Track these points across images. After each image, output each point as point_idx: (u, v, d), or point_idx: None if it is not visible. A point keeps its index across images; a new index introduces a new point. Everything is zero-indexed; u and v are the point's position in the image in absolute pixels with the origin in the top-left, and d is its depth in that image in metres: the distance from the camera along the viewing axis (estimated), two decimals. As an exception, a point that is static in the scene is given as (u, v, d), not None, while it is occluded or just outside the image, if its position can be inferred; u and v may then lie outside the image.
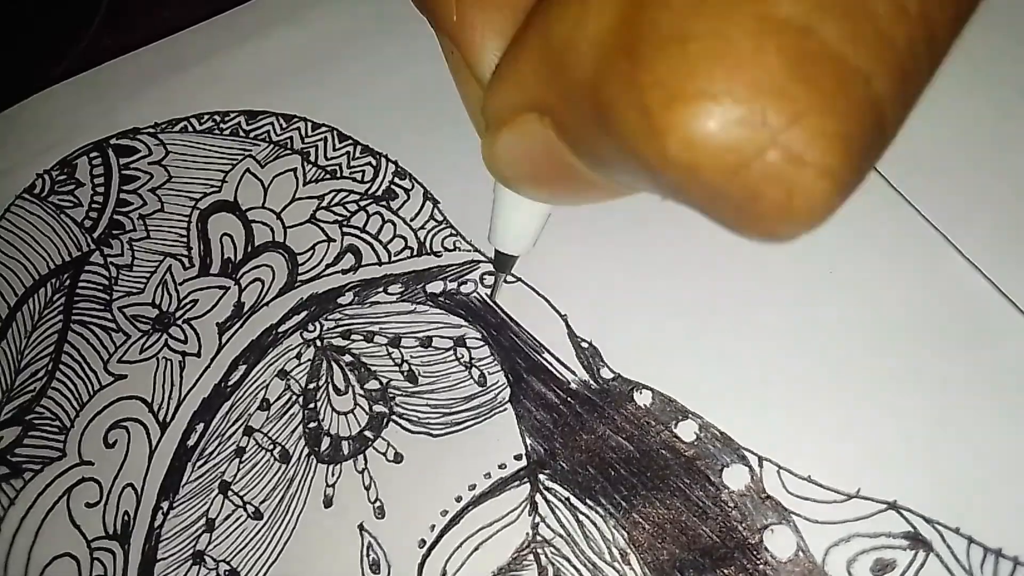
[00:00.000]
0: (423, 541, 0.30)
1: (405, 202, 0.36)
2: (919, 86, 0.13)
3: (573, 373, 0.32)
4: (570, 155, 0.16)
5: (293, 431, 0.32)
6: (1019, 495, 0.27)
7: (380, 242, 0.36)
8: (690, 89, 0.12)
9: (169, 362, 0.34)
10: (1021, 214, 0.32)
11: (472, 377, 0.33)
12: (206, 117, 0.40)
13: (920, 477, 0.28)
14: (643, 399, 0.31)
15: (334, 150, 0.38)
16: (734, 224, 0.14)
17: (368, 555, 0.30)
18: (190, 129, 0.39)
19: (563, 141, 0.16)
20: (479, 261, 0.35)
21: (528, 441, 0.31)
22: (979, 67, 0.35)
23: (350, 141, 0.38)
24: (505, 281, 0.34)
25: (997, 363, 0.30)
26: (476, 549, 0.29)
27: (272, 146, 0.38)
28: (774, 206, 0.13)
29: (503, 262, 0.29)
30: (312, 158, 0.38)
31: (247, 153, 0.38)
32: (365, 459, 0.32)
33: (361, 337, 0.34)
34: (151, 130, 0.40)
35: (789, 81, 0.12)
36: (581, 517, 0.30)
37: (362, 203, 0.37)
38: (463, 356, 0.33)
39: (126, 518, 0.32)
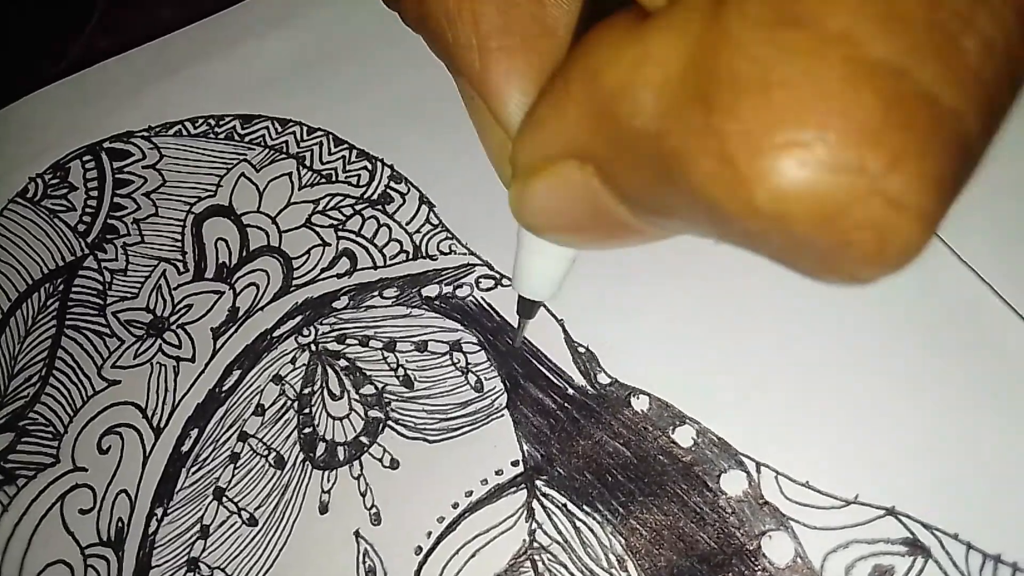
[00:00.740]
0: (420, 548, 0.30)
1: (401, 206, 0.36)
2: (1002, 120, 0.13)
3: (570, 378, 0.32)
4: (614, 203, 0.15)
5: (288, 437, 0.32)
6: (1017, 501, 0.27)
7: (375, 246, 0.36)
8: (780, 137, 0.11)
9: (163, 367, 0.34)
10: (1019, 218, 0.32)
11: (469, 382, 0.32)
12: (200, 120, 0.39)
13: (918, 483, 0.28)
14: (640, 404, 0.31)
15: (329, 154, 0.38)
16: (812, 270, 0.13)
17: (364, 562, 0.30)
18: (184, 133, 0.39)
19: (608, 189, 0.15)
20: (475, 264, 0.35)
21: (525, 447, 0.31)
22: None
23: (345, 145, 0.38)
24: (501, 285, 0.34)
25: (995, 368, 0.29)
26: (473, 556, 0.29)
27: (267, 150, 0.38)
28: (866, 252, 0.12)
29: (528, 308, 0.28)
30: (307, 162, 0.38)
31: (242, 157, 0.38)
32: (361, 465, 0.31)
33: (356, 341, 0.34)
34: (145, 133, 0.39)
35: (886, 125, 0.11)
36: (578, 523, 0.29)
37: (357, 207, 0.36)
38: (459, 361, 0.33)
39: (120, 525, 0.32)
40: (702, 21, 0.12)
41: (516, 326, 0.33)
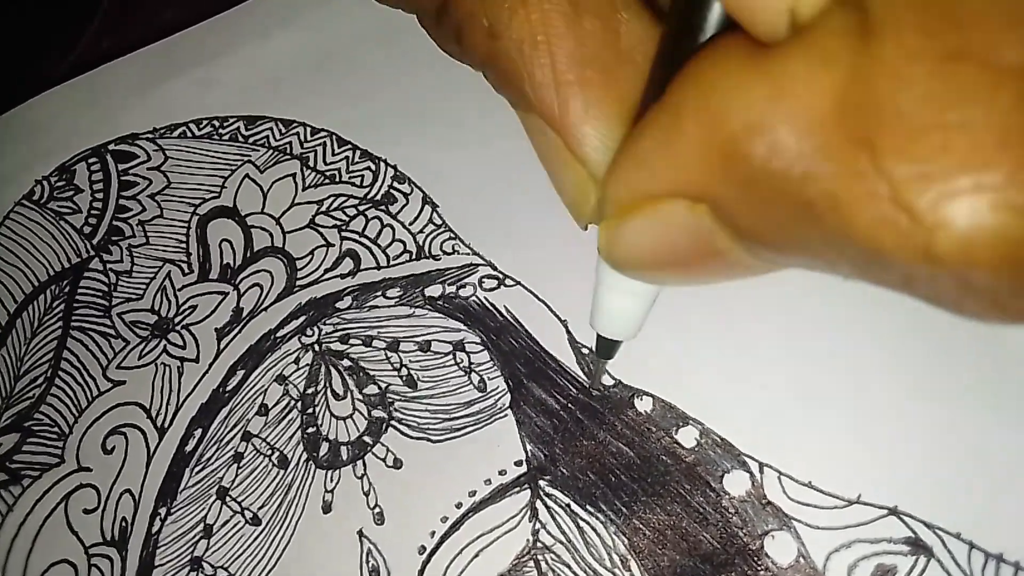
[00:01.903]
0: (423, 547, 0.30)
1: (404, 206, 0.36)
2: None
3: (574, 379, 0.32)
4: (729, 242, 0.14)
5: (291, 436, 0.32)
6: (1021, 500, 0.27)
7: (379, 246, 0.36)
8: (965, 182, 0.11)
9: (168, 368, 0.34)
10: None
11: (472, 382, 0.32)
12: (205, 122, 0.40)
13: (921, 482, 0.28)
14: (643, 405, 0.31)
15: (333, 155, 0.38)
16: (979, 311, 0.12)
17: (368, 561, 0.30)
18: (189, 134, 0.39)
19: (725, 229, 0.14)
20: (478, 265, 0.35)
21: (528, 447, 0.31)
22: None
23: (349, 146, 0.38)
24: (504, 285, 0.34)
25: (1001, 367, 0.29)
26: (477, 556, 0.29)
27: (271, 151, 0.38)
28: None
29: (606, 348, 0.25)
30: (311, 163, 0.38)
31: (246, 158, 0.38)
32: (364, 465, 0.31)
33: (360, 341, 0.34)
34: (150, 135, 0.40)
35: None
36: (582, 523, 0.29)
37: (361, 207, 0.37)
38: (462, 361, 0.33)
39: (124, 524, 0.32)
40: (852, 52, 0.12)
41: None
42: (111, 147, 0.40)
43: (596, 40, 0.17)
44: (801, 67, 0.12)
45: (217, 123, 0.40)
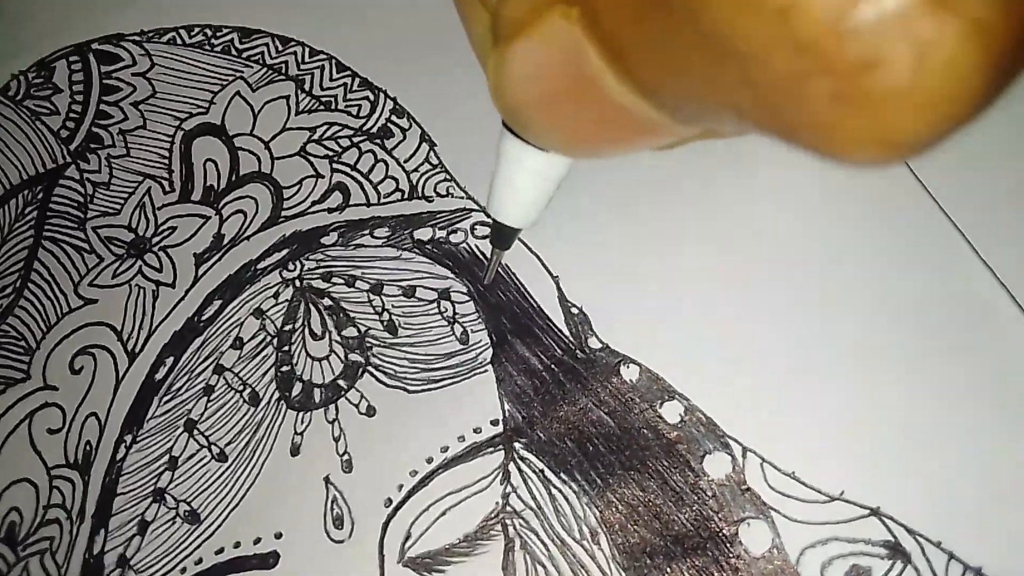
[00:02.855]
0: (389, 500, 0.29)
1: (400, 142, 0.34)
2: None
3: (560, 339, 0.31)
4: (599, 60, 0.14)
5: (265, 373, 0.31)
6: (1007, 515, 0.26)
7: (370, 182, 0.34)
8: None
9: (142, 290, 0.33)
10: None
11: (454, 333, 0.31)
12: (197, 29, 0.37)
13: (907, 485, 0.27)
14: (630, 374, 0.30)
15: (331, 80, 0.36)
16: (824, 114, 0.10)
17: (332, 509, 0.29)
18: (179, 41, 0.37)
19: (594, 40, 0.13)
20: (471, 210, 0.33)
21: (507, 407, 0.30)
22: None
23: (349, 72, 0.36)
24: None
25: (1000, 373, 0.28)
26: (443, 514, 0.29)
27: (265, 69, 0.36)
28: (897, 78, 0.09)
29: (503, 236, 0.25)
30: (307, 86, 0.36)
31: (238, 74, 0.36)
32: (336, 409, 0.31)
33: (342, 281, 0.32)
34: (137, 37, 0.37)
35: None
36: (554, 491, 0.29)
37: (355, 139, 0.35)
38: (447, 310, 0.32)
39: (88, 448, 0.31)
40: None
41: (507, 277, 0.32)
42: (94, 46, 0.37)
43: None
44: None
45: (210, 32, 0.37)
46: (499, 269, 0.32)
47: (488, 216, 0.28)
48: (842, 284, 0.30)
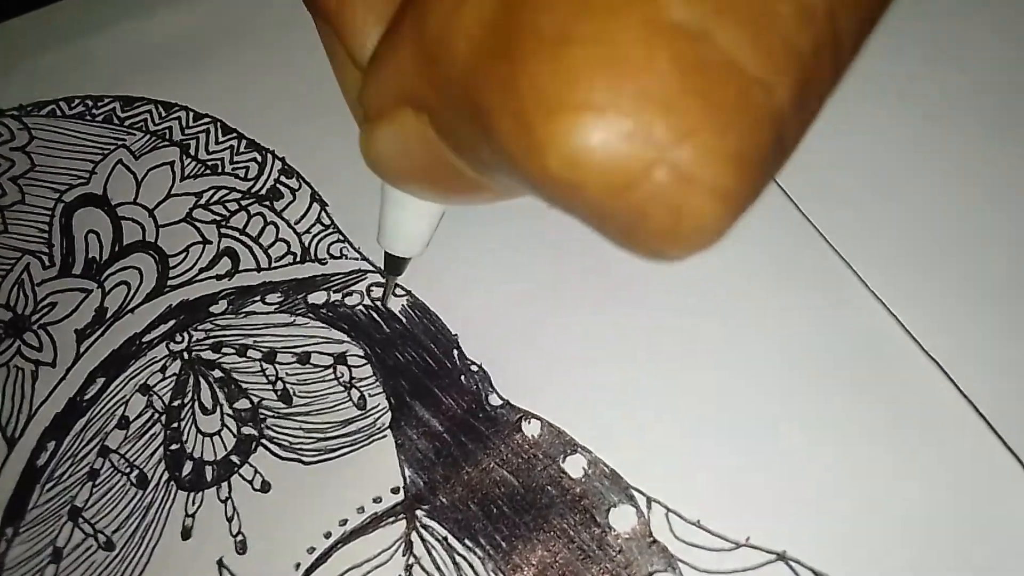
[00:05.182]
0: (287, 580, 0.27)
1: (290, 203, 0.34)
2: (823, 95, 0.12)
3: (460, 398, 0.30)
4: (450, 154, 0.15)
5: (153, 453, 0.30)
6: (911, 553, 0.26)
7: (260, 246, 0.33)
8: (571, 99, 0.11)
9: (21, 371, 0.31)
10: (927, 250, 0.31)
11: (351, 399, 0.30)
12: (77, 101, 0.36)
13: (811, 527, 0.26)
14: (531, 429, 0.29)
15: (216, 143, 0.35)
16: (621, 242, 0.13)
17: (225, 595, 0.27)
18: (59, 113, 0.36)
19: (441, 139, 0.14)
20: (367, 271, 0.32)
21: (407, 472, 0.29)
22: (889, 89, 0.34)
23: (235, 134, 0.35)
24: (394, 294, 0.32)
25: (898, 409, 0.28)
26: (343, 591, 0.27)
27: (149, 136, 0.35)
28: (662, 228, 0.11)
29: (393, 264, 0.27)
30: (192, 151, 0.35)
31: (120, 142, 0.35)
32: (229, 487, 0.29)
33: (233, 351, 0.31)
34: (15, 112, 0.36)
35: (681, 93, 0.10)
36: (458, 559, 0.27)
37: (244, 202, 0.34)
38: (343, 375, 0.31)
39: (-37, 546, 0.29)
40: None
41: (405, 336, 0.31)
42: (-29, 122, 0.36)
43: None
44: None
45: (91, 102, 0.36)
46: (397, 327, 0.31)
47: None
48: (737, 330, 0.30)
